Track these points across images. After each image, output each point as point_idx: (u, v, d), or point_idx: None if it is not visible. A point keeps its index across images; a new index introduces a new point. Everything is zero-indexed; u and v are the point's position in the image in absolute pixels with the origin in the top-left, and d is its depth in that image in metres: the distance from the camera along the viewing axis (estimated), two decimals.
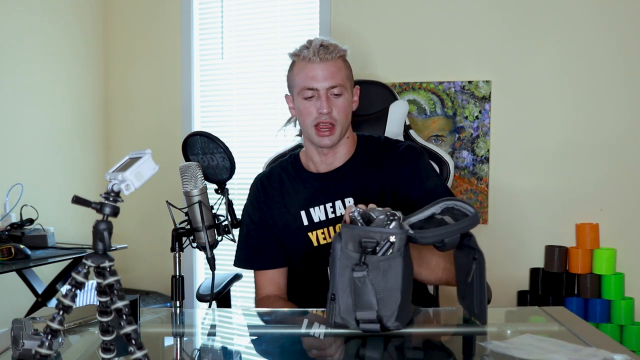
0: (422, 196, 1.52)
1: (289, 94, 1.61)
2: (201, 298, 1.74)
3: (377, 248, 1.07)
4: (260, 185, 1.68)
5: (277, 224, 1.63)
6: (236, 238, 1.58)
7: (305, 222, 1.60)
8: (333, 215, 1.58)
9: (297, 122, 1.65)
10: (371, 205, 1.18)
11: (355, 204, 1.53)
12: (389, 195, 1.57)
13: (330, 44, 1.53)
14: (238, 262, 1.68)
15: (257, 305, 1.61)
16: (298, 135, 1.70)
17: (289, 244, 1.62)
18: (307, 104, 1.53)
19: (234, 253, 1.68)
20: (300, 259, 1.62)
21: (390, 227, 1.08)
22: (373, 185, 1.58)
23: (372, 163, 1.61)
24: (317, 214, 1.59)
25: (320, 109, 1.51)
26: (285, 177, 1.66)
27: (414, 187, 1.55)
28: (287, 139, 1.84)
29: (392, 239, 1.07)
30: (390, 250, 1.07)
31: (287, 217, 1.62)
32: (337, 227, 1.57)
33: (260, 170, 1.86)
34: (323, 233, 1.59)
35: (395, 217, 1.08)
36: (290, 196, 1.63)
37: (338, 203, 1.59)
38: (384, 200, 1.56)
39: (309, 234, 1.60)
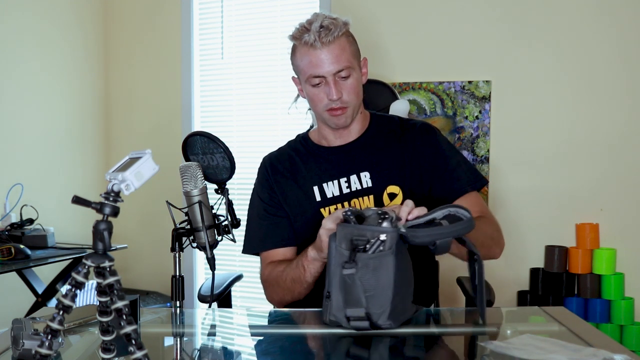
0: (445, 174, 1.52)
1: (295, 76, 1.57)
2: (203, 299, 1.74)
3: (368, 246, 1.07)
4: (270, 165, 1.63)
5: (288, 201, 1.58)
6: (236, 238, 1.58)
7: (318, 198, 1.55)
8: (348, 191, 1.53)
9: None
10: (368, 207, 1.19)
11: (372, 178, 1.53)
12: (408, 167, 1.53)
13: (330, 23, 1.45)
14: (248, 247, 1.62)
15: (262, 273, 1.55)
16: (310, 109, 1.67)
17: (300, 223, 1.57)
18: (316, 91, 1.49)
19: (242, 240, 1.62)
20: (311, 239, 1.54)
21: (383, 225, 1.08)
22: (391, 159, 1.55)
23: (389, 137, 1.58)
24: (331, 189, 1.55)
25: (329, 95, 1.47)
26: (295, 155, 1.62)
27: (437, 167, 1.53)
28: (299, 112, 1.81)
29: (383, 237, 1.07)
30: (381, 248, 1.07)
31: (299, 194, 1.57)
32: (352, 202, 1.53)
33: None
34: (337, 209, 1.52)
35: (387, 216, 1.08)
36: (301, 173, 1.59)
37: (353, 177, 1.54)
38: (403, 174, 1.53)
39: (322, 210, 1.54)
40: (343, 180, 1.55)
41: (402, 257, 1.10)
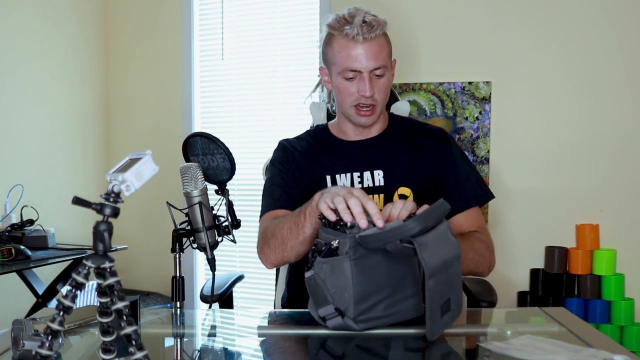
0: (454, 186, 1.52)
1: (324, 66, 1.55)
2: (205, 299, 1.74)
3: (324, 248, 1.10)
4: (289, 145, 1.62)
5: (302, 181, 1.56)
6: (237, 239, 1.58)
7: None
8: (360, 186, 1.53)
9: (331, 95, 1.60)
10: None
11: (385, 177, 1.53)
12: (421, 171, 1.53)
13: (373, 20, 1.43)
14: (268, 207, 1.53)
15: (261, 229, 1.49)
16: (326, 102, 1.66)
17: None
18: (348, 85, 1.47)
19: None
20: None
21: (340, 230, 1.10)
22: (405, 160, 1.55)
23: (406, 139, 1.58)
24: (343, 181, 1.54)
25: (363, 91, 1.45)
26: (313, 143, 1.61)
27: (447, 175, 1.54)
28: (305, 107, 1.79)
29: (335, 243, 1.09)
30: (337, 253, 1.09)
31: (312, 179, 1.56)
32: None
33: (261, 172, 1.85)
34: None
35: (342, 223, 1.10)
36: (317, 160, 1.58)
37: (367, 174, 1.54)
38: (415, 176, 1.53)
39: None
40: (356, 175, 1.54)
41: (364, 262, 1.09)
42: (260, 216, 1.57)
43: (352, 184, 1.54)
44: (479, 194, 1.56)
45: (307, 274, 1.13)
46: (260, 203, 1.61)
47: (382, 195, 1.52)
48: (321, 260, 1.10)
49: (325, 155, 1.59)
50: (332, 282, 1.10)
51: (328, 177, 1.56)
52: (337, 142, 1.60)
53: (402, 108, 1.90)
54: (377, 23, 1.43)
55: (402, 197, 1.52)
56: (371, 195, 1.52)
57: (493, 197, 1.61)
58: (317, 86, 1.71)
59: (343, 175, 1.55)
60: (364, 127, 1.55)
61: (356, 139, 1.59)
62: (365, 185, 1.53)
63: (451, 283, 1.09)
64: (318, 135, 1.64)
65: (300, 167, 1.58)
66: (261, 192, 1.63)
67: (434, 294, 1.03)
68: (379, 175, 1.53)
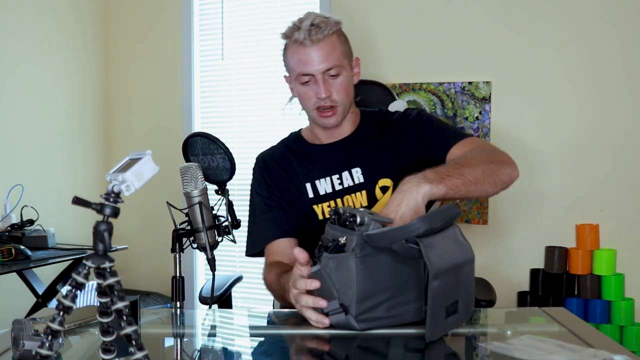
0: (436, 138, 1.52)
1: (287, 75, 1.57)
2: (204, 300, 1.74)
3: (330, 244, 1.11)
4: (263, 164, 1.64)
5: (283, 197, 1.59)
6: (237, 239, 1.58)
7: (311, 195, 1.56)
8: (340, 187, 1.55)
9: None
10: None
11: (363, 173, 1.54)
12: (399, 159, 1.54)
13: (321, 21, 1.45)
14: (252, 247, 1.59)
15: (264, 273, 1.53)
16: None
17: (294, 219, 1.58)
18: (305, 89, 1.50)
19: (244, 245, 1.61)
20: (304, 235, 1.56)
21: (349, 227, 1.10)
22: (380, 153, 1.56)
23: (378, 132, 1.59)
24: (323, 186, 1.56)
25: (318, 94, 1.47)
26: (288, 153, 1.63)
27: (423, 136, 1.53)
28: (293, 113, 1.80)
29: (342, 240, 1.10)
30: (344, 250, 1.09)
31: (292, 190, 1.58)
32: (345, 199, 1.55)
33: None
34: (329, 206, 1.55)
35: (351, 220, 1.10)
36: (294, 170, 1.60)
37: (345, 174, 1.55)
38: (394, 166, 1.54)
39: (314, 207, 1.56)
40: (335, 177, 1.56)
41: (370, 259, 1.09)
42: (250, 246, 1.60)
43: (333, 187, 1.56)
44: (459, 134, 1.54)
45: (314, 269, 1.13)
46: None
47: (364, 192, 1.54)
48: (327, 255, 1.11)
49: (302, 164, 1.60)
50: (337, 278, 1.10)
51: (308, 185, 1.58)
52: (311, 148, 1.62)
53: (399, 107, 1.91)
54: (326, 24, 1.45)
55: (384, 189, 1.54)
56: (354, 194, 1.54)
57: (472, 134, 1.62)
58: (291, 98, 1.73)
59: (322, 180, 1.57)
60: (332, 128, 1.56)
61: (329, 141, 1.60)
62: (346, 185, 1.55)
63: (460, 286, 1.09)
64: (292, 144, 1.66)
65: (278, 184, 1.60)
66: None
67: (438, 294, 1.03)
68: (357, 173, 1.55)
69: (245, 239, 1.64)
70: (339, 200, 1.55)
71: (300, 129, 1.69)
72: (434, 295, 1.03)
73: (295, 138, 1.67)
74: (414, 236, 1.02)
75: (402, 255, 1.08)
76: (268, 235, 1.57)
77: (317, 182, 1.57)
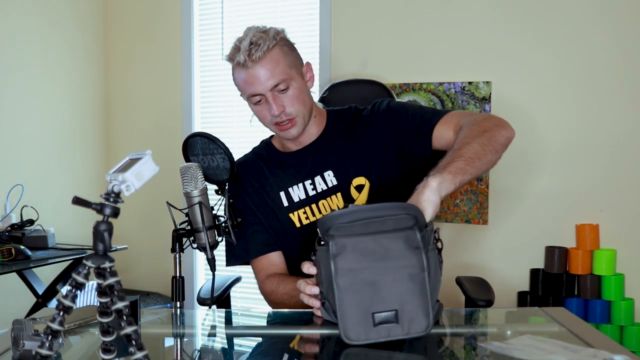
0: (418, 132, 1.49)
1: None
2: (202, 302, 1.74)
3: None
4: (237, 174, 1.64)
5: (258, 209, 1.59)
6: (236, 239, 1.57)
7: (285, 203, 1.56)
8: (314, 192, 1.54)
9: None
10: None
11: (336, 175, 1.53)
12: (372, 155, 1.52)
13: (259, 38, 1.42)
14: (231, 260, 1.60)
15: (262, 288, 1.54)
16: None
17: (272, 230, 1.58)
18: (259, 108, 1.49)
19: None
20: (284, 243, 1.57)
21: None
22: (351, 152, 1.54)
23: (347, 131, 1.57)
24: (297, 193, 1.56)
25: (271, 111, 1.46)
26: (260, 162, 1.63)
27: (400, 126, 1.51)
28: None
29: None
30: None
31: (267, 200, 1.58)
32: (320, 203, 1.54)
33: None
34: (305, 212, 1.54)
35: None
36: (267, 179, 1.59)
37: (317, 179, 1.55)
38: (367, 163, 1.52)
39: (290, 215, 1.56)
40: (308, 182, 1.56)
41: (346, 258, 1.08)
42: (229, 258, 1.60)
43: (306, 193, 1.55)
44: (437, 114, 1.50)
45: (313, 258, 1.14)
46: None
47: (339, 194, 1.53)
48: (317, 247, 1.11)
49: (273, 173, 1.60)
50: (323, 270, 1.10)
51: (282, 193, 1.57)
52: (282, 156, 1.61)
53: None
54: (264, 40, 1.42)
55: (359, 187, 1.52)
56: (329, 197, 1.54)
57: (450, 110, 1.57)
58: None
59: (295, 186, 1.56)
60: (296, 138, 1.55)
61: (297, 148, 1.59)
62: (320, 189, 1.54)
63: (398, 295, 1.04)
64: (263, 152, 1.65)
65: (251, 195, 1.60)
66: None
67: (346, 294, 1.03)
68: (329, 176, 1.54)
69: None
70: (314, 206, 1.54)
71: (271, 136, 1.68)
72: (340, 294, 1.03)
73: (266, 146, 1.66)
74: (336, 223, 1.04)
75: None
76: (247, 251, 1.58)
77: (290, 189, 1.57)
